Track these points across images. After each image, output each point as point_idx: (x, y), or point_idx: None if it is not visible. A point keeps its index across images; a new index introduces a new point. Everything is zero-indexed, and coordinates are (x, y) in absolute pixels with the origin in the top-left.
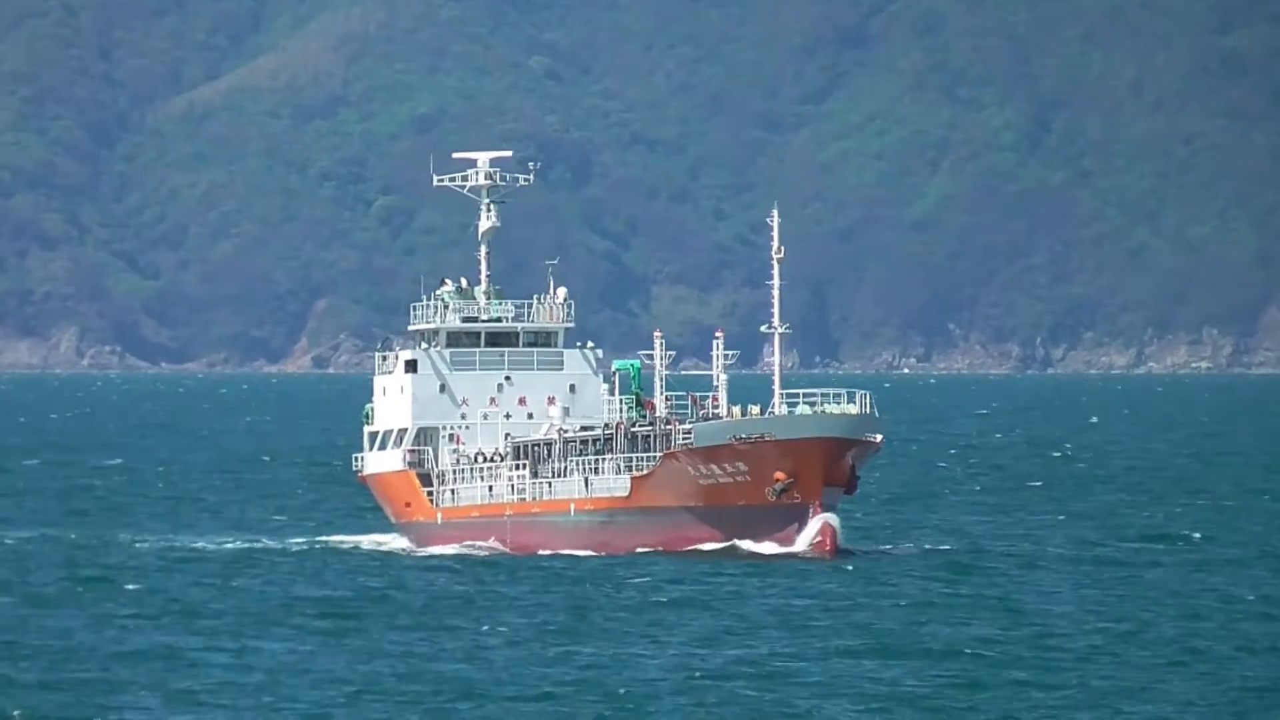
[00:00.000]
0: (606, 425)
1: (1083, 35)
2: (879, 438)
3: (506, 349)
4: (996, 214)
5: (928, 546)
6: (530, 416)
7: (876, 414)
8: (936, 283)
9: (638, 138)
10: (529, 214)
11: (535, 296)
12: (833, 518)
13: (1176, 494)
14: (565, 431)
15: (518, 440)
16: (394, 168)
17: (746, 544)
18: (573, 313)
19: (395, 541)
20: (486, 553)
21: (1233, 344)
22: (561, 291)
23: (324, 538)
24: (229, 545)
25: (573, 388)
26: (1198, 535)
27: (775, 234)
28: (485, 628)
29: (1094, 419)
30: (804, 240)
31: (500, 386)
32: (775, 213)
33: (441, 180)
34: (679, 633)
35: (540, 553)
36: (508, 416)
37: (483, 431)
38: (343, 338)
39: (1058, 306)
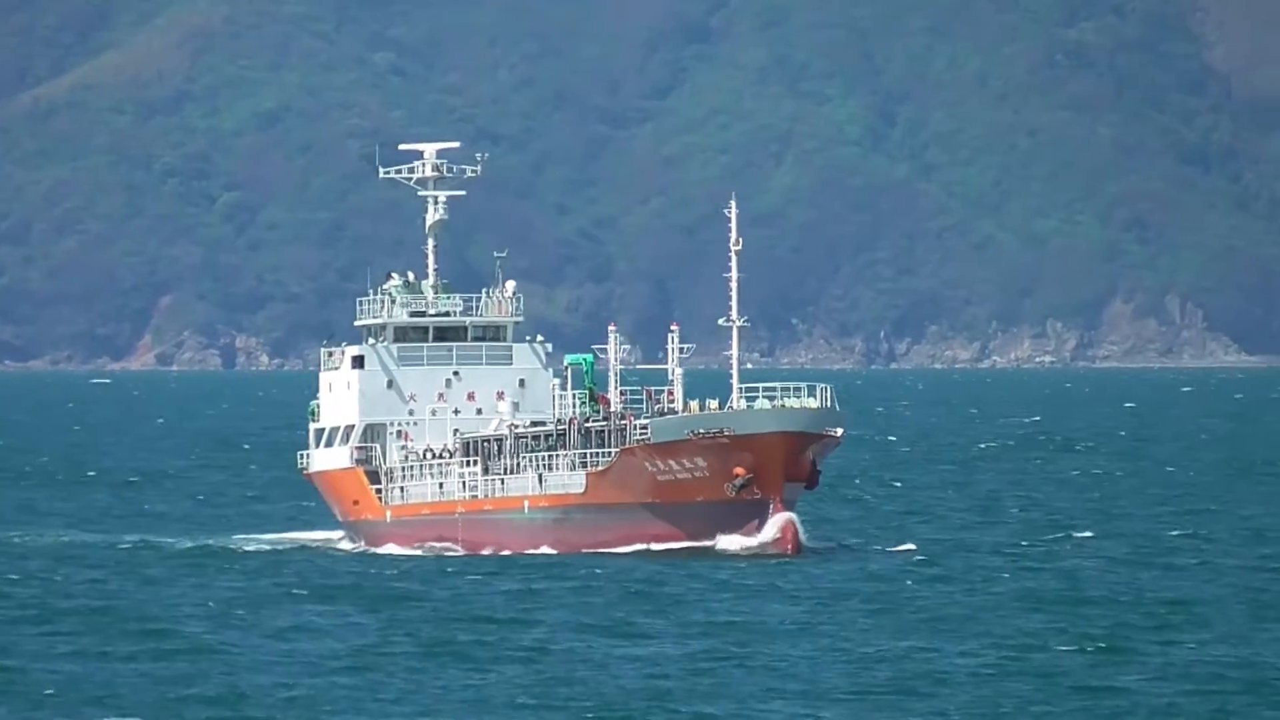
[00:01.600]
0: (559, 421)
1: (927, 28)
2: (839, 431)
3: (455, 344)
4: (841, 208)
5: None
6: (479, 412)
7: (837, 408)
8: (780, 277)
9: (482, 133)
10: (375, 210)
11: (484, 290)
12: (793, 516)
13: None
14: (516, 427)
15: (467, 436)
16: (238, 164)
17: (706, 541)
18: (522, 306)
19: (343, 541)
20: (438, 552)
21: (1077, 337)
22: (510, 285)
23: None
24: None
25: (522, 382)
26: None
27: (733, 226)
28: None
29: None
30: (647, 235)
31: (449, 382)
32: (733, 204)
33: (387, 172)
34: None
35: (494, 551)
36: (456, 412)
37: (431, 428)
38: (186, 334)
39: (902, 300)
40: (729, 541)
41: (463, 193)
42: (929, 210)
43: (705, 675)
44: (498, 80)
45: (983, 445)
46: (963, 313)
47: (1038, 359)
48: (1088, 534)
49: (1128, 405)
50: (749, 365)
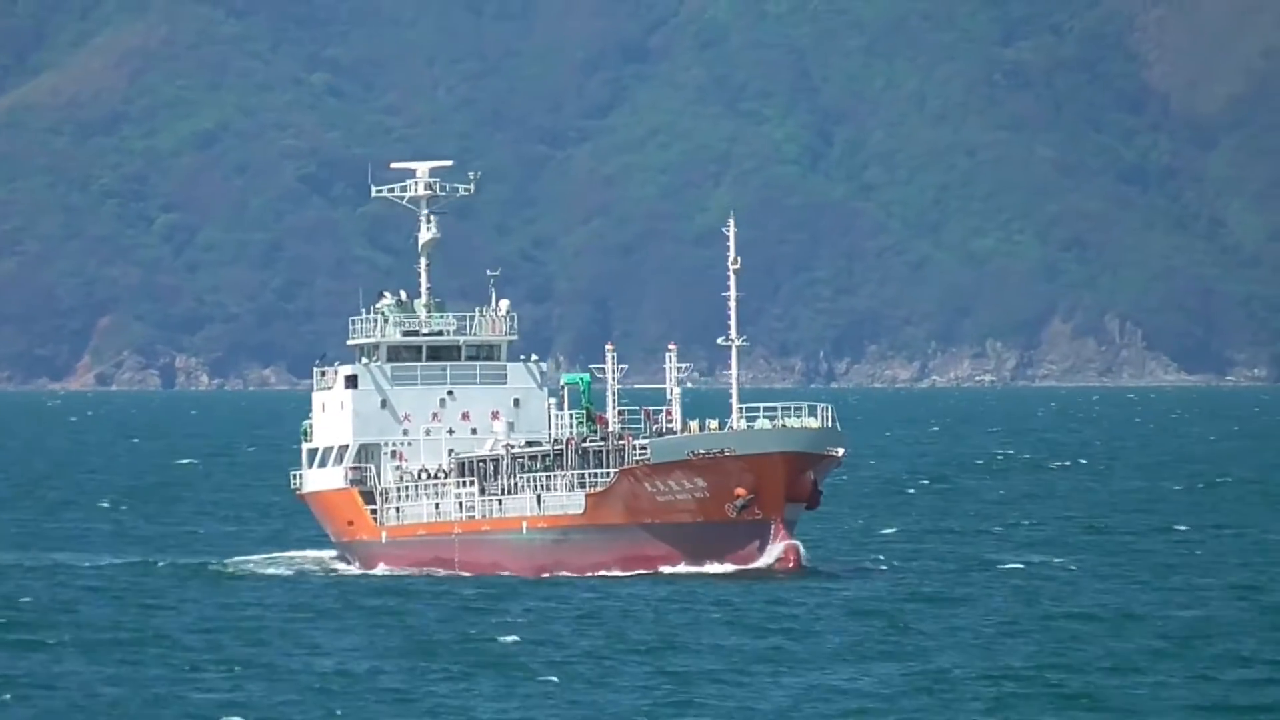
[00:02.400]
0: (556, 441)
1: (864, 48)
2: (841, 451)
3: (449, 363)
4: (779, 227)
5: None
6: (474, 432)
7: (838, 427)
8: (719, 296)
9: (420, 153)
10: (310, 230)
11: (477, 309)
12: (796, 543)
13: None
14: (512, 447)
15: (462, 456)
16: (176, 184)
17: (706, 563)
18: (516, 325)
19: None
20: (433, 573)
21: (1016, 356)
22: (504, 304)
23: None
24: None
25: (517, 402)
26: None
27: (731, 244)
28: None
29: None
30: (586, 255)
31: (443, 401)
32: (731, 223)
33: (380, 191)
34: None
35: (492, 572)
36: (451, 432)
37: (426, 448)
38: (125, 355)
39: (841, 320)
40: (724, 565)
41: (445, 213)
42: (868, 230)
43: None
44: (436, 100)
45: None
46: (902, 332)
47: (977, 378)
48: None
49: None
50: (689, 384)
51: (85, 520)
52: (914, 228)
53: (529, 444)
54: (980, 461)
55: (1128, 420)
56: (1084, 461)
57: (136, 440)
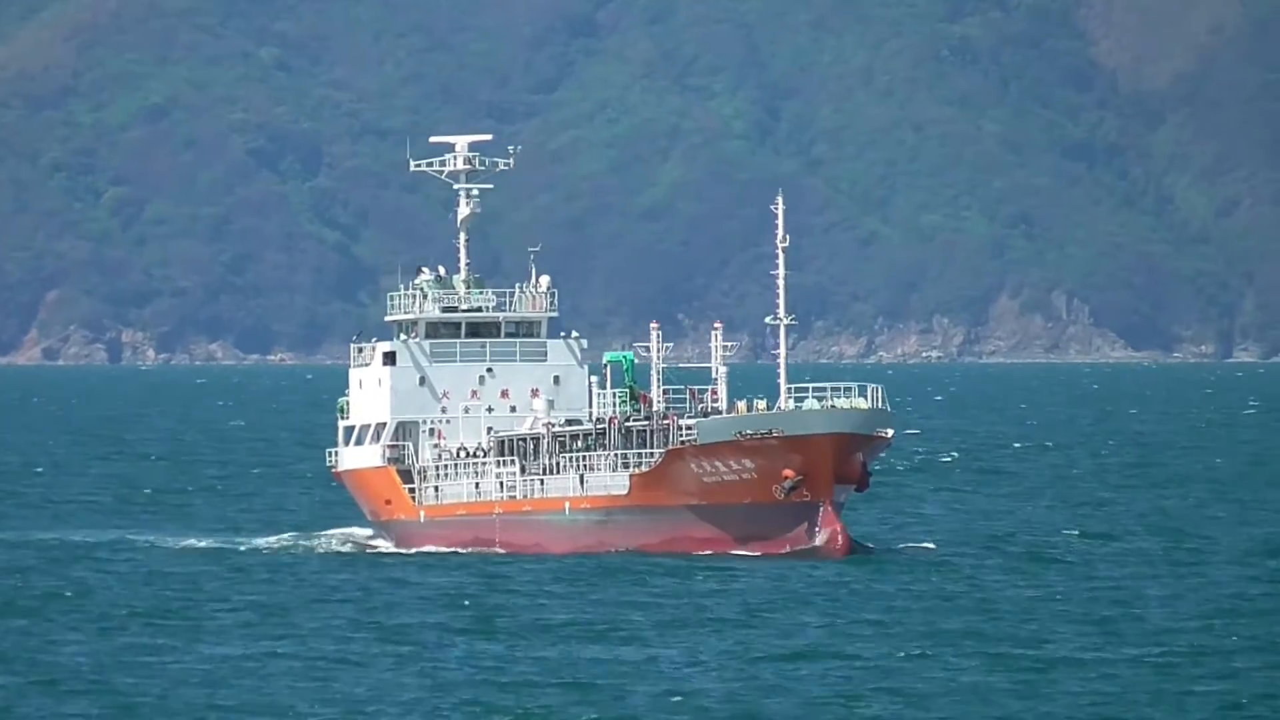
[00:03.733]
0: (598, 420)
1: (813, 23)
2: (890, 432)
3: (488, 340)
4: (727, 202)
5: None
6: (513, 410)
7: (888, 408)
8: (667, 272)
9: (368, 128)
10: (258, 204)
11: (517, 285)
12: (841, 524)
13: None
14: (552, 426)
15: (501, 435)
16: (125, 158)
17: (754, 545)
18: (556, 301)
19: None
20: (474, 551)
21: (964, 333)
22: (544, 280)
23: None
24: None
25: (557, 380)
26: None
27: (780, 222)
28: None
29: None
30: (534, 230)
31: (482, 379)
32: (780, 200)
33: (419, 165)
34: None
35: (533, 552)
36: (490, 410)
37: (464, 425)
38: (73, 329)
39: (789, 295)
40: (771, 547)
41: (490, 186)
42: (815, 205)
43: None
44: (384, 74)
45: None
46: (849, 308)
47: (924, 354)
48: None
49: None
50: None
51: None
52: (861, 203)
53: (569, 422)
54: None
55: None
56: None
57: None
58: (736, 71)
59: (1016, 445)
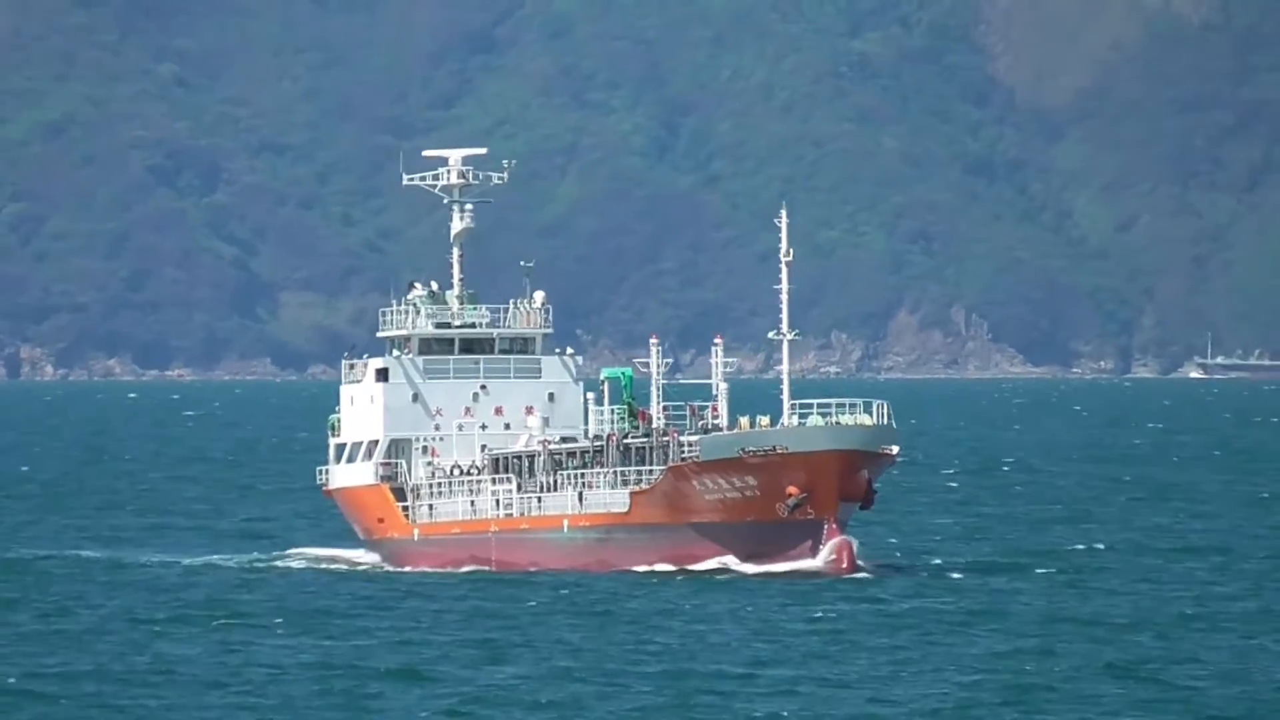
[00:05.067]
0: (596, 436)
1: (712, 39)
2: (895, 449)
3: (482, 356)
4: (626, 218)
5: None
6: (507, 427)
7: (893, 424)
8: (565, 287)
9: (266, 144)
10: (157, 220)
11: (511, 301)
12: (849, 538)
13: None
14: (548, 443)
15: (496, 452)
16: (23, 174)
17: (756, 563)
18: (550, 318)
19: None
20: (469, 569)
21: (862, 348)
22: (539, 295)
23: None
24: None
25: (551, 396)
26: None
27: (784, 236)
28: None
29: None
30: (432, 246)
31: (476, 396)
32: (784, 213)
33: (411, 180)
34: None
35: (529, 571)
36: (484, 427)
37: (458, 443)
38: None
39: (687, 311)
40: (774, 565)
41: (490, 200)
42: (714, 221)
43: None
44: (282, 90)
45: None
46: (748, 323)
47: (822, 370)
48: None
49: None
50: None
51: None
52: (760, 219)
53: (564, 440)
54: None
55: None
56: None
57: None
58: (635, 87)
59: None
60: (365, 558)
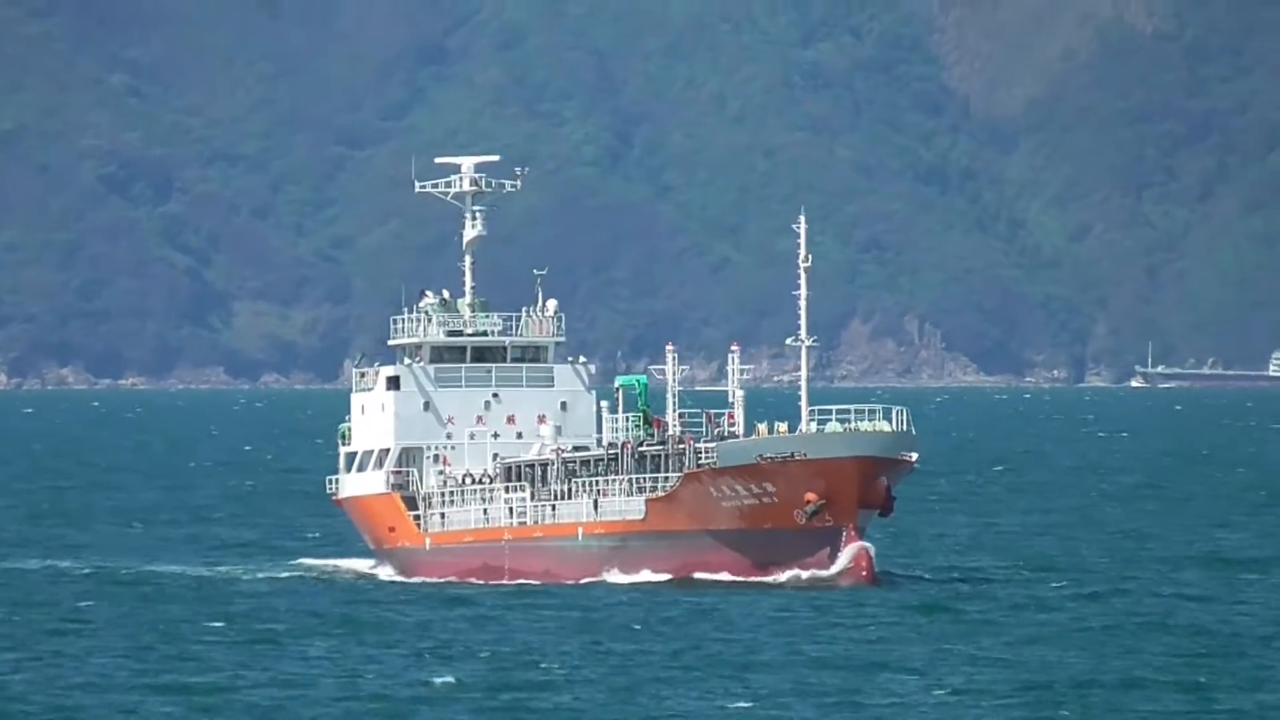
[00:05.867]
0: (610, 444)
1: (665, 49)
2: (914, 456)
3: (494, 364)
4: (578, 228)
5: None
6: (519, 436)
7: (913, 431)
8: (518, 297)
9: (219, 154)
10: (109, 230)
11: (524, 309)
12: (867, 545)
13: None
14: (561, 451)
15: (508, 461)
16: None
17: (774, 571)
18: (563, 326)
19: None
20: (483, 581)
21: (815, 357)
22: (551, 304)
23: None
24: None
25: (564, 405)
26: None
27: (802, 241)
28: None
29: None
30: (385, 256)
31: (487, 404)
32: (802, 219)
33: (423, 186)
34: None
35: (544, 581)
36: (495, 436)
37: (470, 452)
38: None
39: (640, 321)
40: (792, 573)
41: (496, 207)
42: (666, 230)
43: None
44: (235, 100)
45: None
46: (700, 333)
47: (775, 379)
48: None
49: None
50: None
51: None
52: (713, 229)
53: (576, 448)
54: None
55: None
56: None
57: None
58: (587, 98)
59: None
60: (375, 568)
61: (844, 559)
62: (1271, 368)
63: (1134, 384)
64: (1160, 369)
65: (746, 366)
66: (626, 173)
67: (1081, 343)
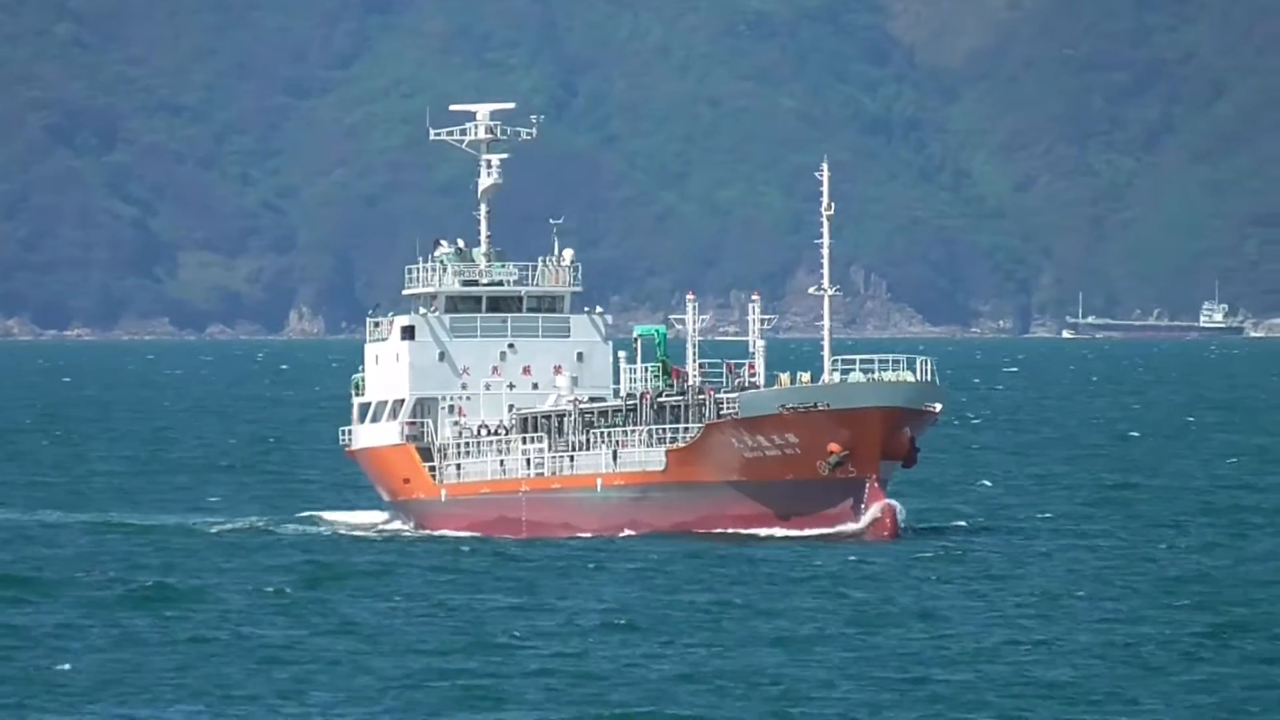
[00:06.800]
0: (629, 395)
1: None
2: (939, 407)
3: (509, 315)
4: (524, 177)
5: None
6: (535, 387)
7: (937, 381)
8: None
9: (163, 104)
10: (54, 181)
11: (540, 258)
12: (893, 502)
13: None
14: (579, 402)
15: (524, 411)
16: None
17: (797, 522)
18: (580, 276)
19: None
20: (500, 532)
21: (761, 308)
22: (568, 253)
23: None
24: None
25: (580, 356)
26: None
27: (825, 190)
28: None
29: None
30: (331, 206)
31: (503, 355)
32: (825, 167)
33: (439, 134)
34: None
35: (562, 533)
36: (511, 387)
37: (485, 402)
38: None
39: (585, 271)
40: (814, 525)
41: (508, 155)
42: (612, 180)
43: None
44: (179, 50)
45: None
46: (645, 283)
47: (721, 330)
48: None
49: None
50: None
51: None
52: (658, 179)
53: (593, 399)
54: None
55: None
56: None
57: None
58: (532, 46)
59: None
60: (389, 520)
61: (869, 516)
62: (1202, 318)
63: (1065, 335)
64: (1090, 319)
65: (704, 316)
66: (571, 122)
67: (1027, 293)
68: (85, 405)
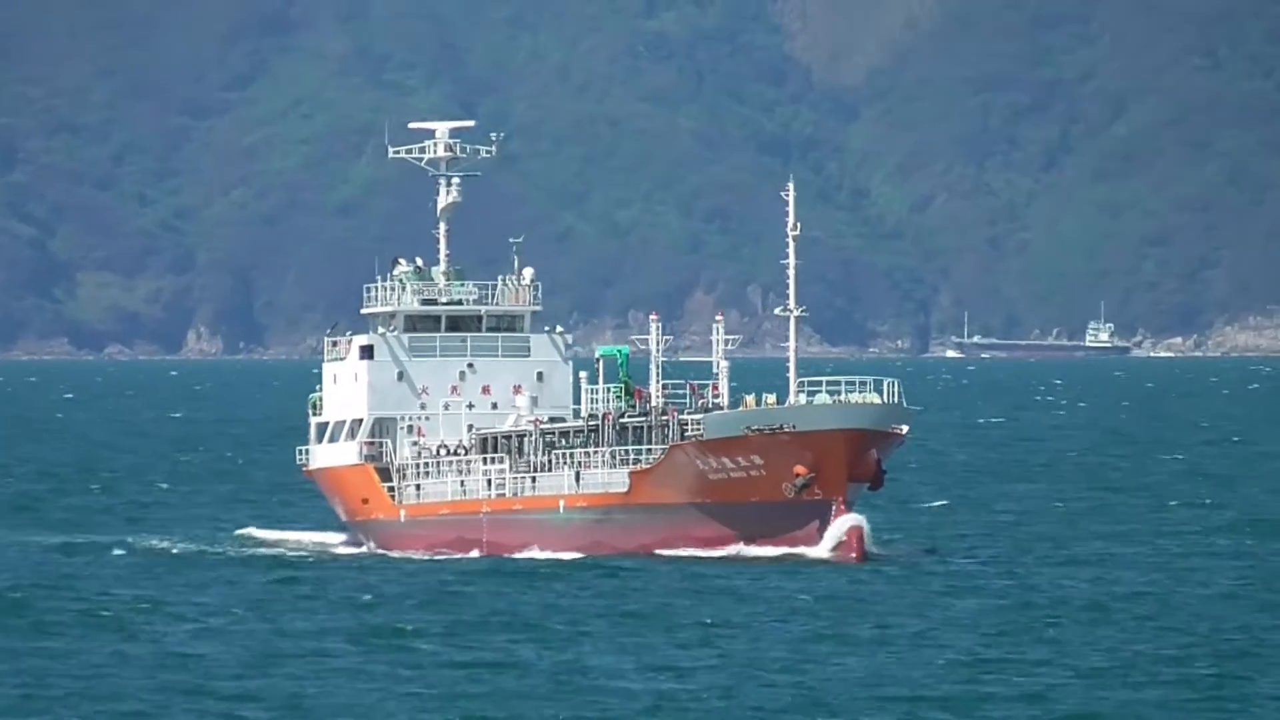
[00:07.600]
0: (591, 415)
1: (509, 19)
2: (905, 429)
3: (469, 334)
4: (422, 198)
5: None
6: (494, 407)
7: (904, 403)
8: (361, 268)
9: (62, 123)
10: None
11: (500, 277)
12: (859, 518)
13: None
14: (539, 422)
15: (484, 431)
16: None
17: (761, 544)
18: (539, 295)
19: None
20: (459, 554)
21: (659, 328)
22: (528, 272)
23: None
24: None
25: (540, 375)
26: None
27: (791, 209)
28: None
29: None
30: (229, 226)
31: (462, 374)
32: (790, 187)
33: (397, 152)
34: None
35: (523, 554)
36: (470, 406)
37: (444, 422)
38: None
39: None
40: (779, 547)
41: (478, 173)
42: (511, 200)
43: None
44: (77, 70)
45: None
46: (545, 303)
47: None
48: None
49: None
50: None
51: None
52: (557, 199)
53: (553, 419)
54: None
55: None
56: None
57: None
58: (432, 67)
59: None
60: (346, 541)
61: (835, 534)
62: (1088, 338)
63: (949, 354)
64: (976, 339)
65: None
66: (471, 142)
67: (925, 313)
68: None
